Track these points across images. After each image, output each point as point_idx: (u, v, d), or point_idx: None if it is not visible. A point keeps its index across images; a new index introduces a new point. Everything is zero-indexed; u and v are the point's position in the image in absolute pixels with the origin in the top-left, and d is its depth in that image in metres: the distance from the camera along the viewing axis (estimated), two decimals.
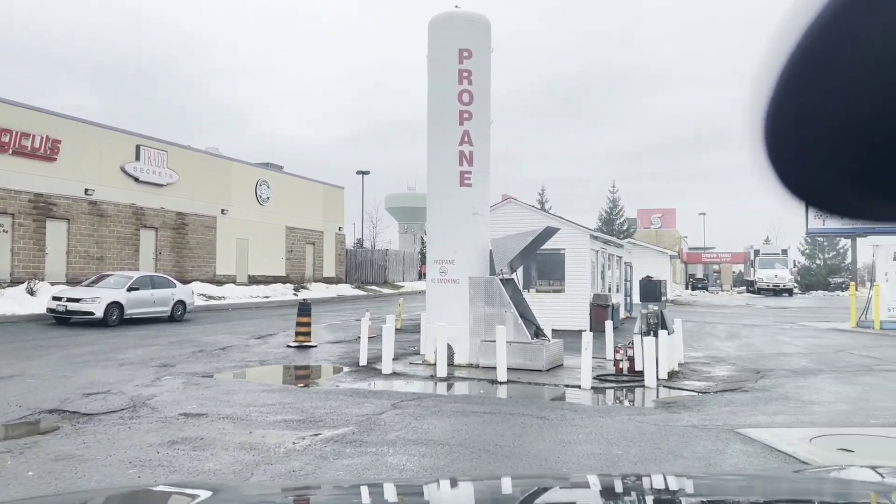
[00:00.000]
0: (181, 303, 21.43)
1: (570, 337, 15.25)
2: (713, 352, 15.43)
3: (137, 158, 28.89)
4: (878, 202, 0.55)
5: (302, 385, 10.82)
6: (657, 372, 11.13)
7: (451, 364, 12.43)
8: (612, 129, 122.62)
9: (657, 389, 10.56)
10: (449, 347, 12.61)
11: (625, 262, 25.19)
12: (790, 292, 48.98)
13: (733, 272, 73.85)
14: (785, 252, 53.21)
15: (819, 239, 62.01)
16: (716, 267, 77.79)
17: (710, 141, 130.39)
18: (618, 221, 64.65)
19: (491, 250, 13.16)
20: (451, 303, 12.83)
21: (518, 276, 19.14)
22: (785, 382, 11.03)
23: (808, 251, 65.19)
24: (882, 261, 21.45)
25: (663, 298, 12.15)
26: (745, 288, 56.78)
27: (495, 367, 11.15)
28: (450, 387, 10.83)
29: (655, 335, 11.69)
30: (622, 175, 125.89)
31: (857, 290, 23.72)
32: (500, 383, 10.82)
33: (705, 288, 64.28)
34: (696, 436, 6.92)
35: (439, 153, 13.26)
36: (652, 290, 12.15)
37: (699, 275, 75.50)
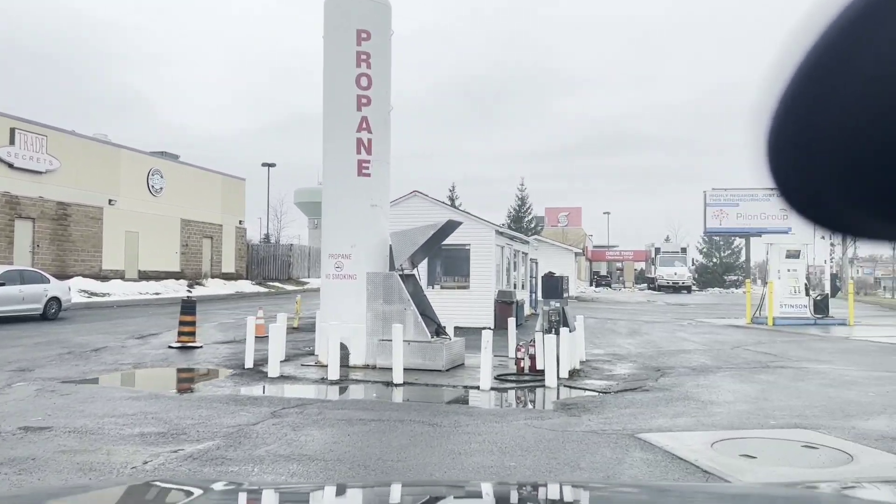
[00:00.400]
0: (55, 300, 19.65)
1: (475, 335, 14.75)
2: (615, 349, 15.31)
3: (12, 143, 26.50)
4: (884, 222, 0.55)
5: (174, 391, 9.81)
6: (558, 371, 10.76)
7: (345, 365, 11.68)
8: (524, 129, 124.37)
9: (558, 389, 10.17)
10: (343, 347, 11.84)
11: (531, 259, 25.05)
12: (689, 289, 50.70)
13: (635, 270, 76.07)
14: (684, 250, 55.12)
15: (716, 238, 64.74)
16: (619, 265, 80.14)
17: (617, 143, 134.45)
18: (526, 219, 65.34)
19: (391, 245, 12.48)
20: (348, 300, 12.06)
21: (422, 272, 18.55)
22: (685, 381, 10.88)
23: (705, 250, 67.91)
24: (776, 259, 22.14)
25: (565, 295, 11.81)
26: (646, 285, 58.44)
27: (392, 369, 10.48)
28: (342, 390, 10.08)
29: (557, 333, 11.33)
30: (533, 174, 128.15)
31: (751, 287, 24.46)
32: (396, 385, 10.16)
33: (609, 285, 65.92)
34: (595, 443, 6.47)
35: (336, 140, 12.45)
36: (554, 286, 11.79)
37: (603, 272, 77.55)
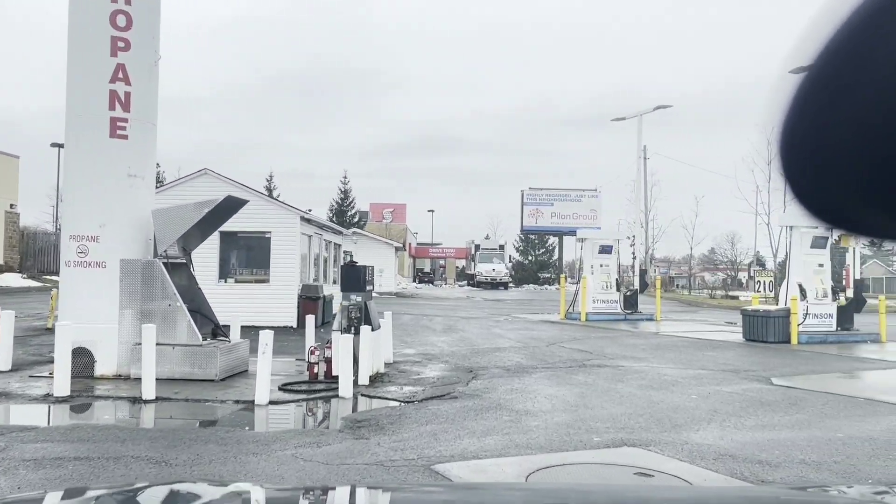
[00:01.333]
0: None
1: (275, 335, 12.95)
2: (427, 347, 13.92)
3: None
4: (888, 219, 0.55)
5: None
6: (357, 377, 9.10)
7: (89, 376, 9.24)
8: (353, 126, 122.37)
9: (354, 399, 8.48)
10: (85, 354, 9.37)
11: (345, 251, 23.22)
12: (506, 286, 51.35)
13: (457, 267, 76.74)
14: (502, 248, 55.92)
15: (532, 237, 66.68)
16: (442, 262, 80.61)
17: (444, 144, 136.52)
18: (349, 213, 63.33)
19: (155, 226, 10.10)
20: (94, 293, 9.56)
21: (212, 263, 16.09)
22: (498, 384, 9.63)
23: (522, 248, 69.75)
24: (589, 255, 22.03)
25: (369, 288, 10.18)
26: (466, 282, 58.73)
27: (142, 380, 8.22)
28: (77, 410, 7.71)
29: (357, 332, 9.65)
30: (361, 172, 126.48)
31: (565, 282, 24.34)
32: (146, 402, 7.95)
33: (431, 282, 65.79)
34: (379, 482, 4.80)
35: (82, 92, 9.86)
36: (355, 277, 10.08)
37: (427, 269, 77.51)
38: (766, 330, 15.03)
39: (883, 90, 0.48)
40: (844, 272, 16.35)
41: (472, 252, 56.20)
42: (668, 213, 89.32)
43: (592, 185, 58.04)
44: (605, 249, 21.94)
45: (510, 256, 60.85)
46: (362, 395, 8.75)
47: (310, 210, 19.44)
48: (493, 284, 51.01)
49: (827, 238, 15.71)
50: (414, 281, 68.19)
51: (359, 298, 10.15)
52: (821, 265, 15.69)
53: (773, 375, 10.45)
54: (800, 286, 15.33)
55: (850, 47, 0.48)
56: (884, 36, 0.47)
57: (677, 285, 51.71)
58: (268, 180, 59.74)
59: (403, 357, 12.43)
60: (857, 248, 16.54)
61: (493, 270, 50.85)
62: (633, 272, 22.90)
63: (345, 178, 63.48)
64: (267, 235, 16.90)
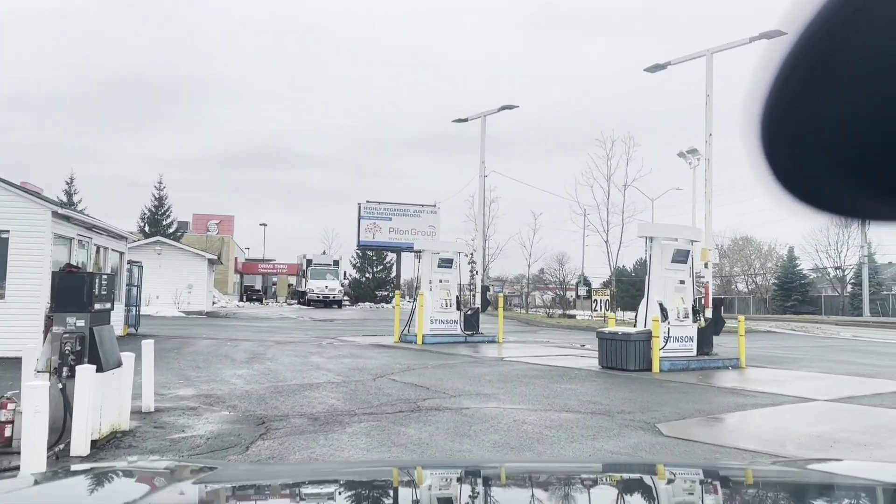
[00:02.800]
0: None
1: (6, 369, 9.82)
2: (216, 386, 10.50)
3: None
4: (875, 202, 0.55)
5: None
6: (67, 442, 5.66)
7: None
8: (182, 133, 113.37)
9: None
10: None
11: (130, 261, 18.96)
12: (340, 304, 48.00)
13: (290, 284, 72.16)
14: (336, 263, 52.39)
15: (369, 253, 63.79)
16: (275, 278, 75.70)
17: (281, 158, 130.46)
18: (165, 222, 56.95)
19: None
20: None
21: None
22: (295, 446, 6.58)
23: (359, 264, 66.57)
24: (427, 269, 19.43)
25: (99, 306, 6.68)
26: (297, 300, 54.57)
27: None
28: None
29: (71, 374, 6.19)
30: (190, 182, 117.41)
31: (401, 300, 21.60)
32: None
33: (260, 300, 61.12)
34: None
35: None
36: (75, 290, 6.56)
37: (258, 286, 72.30)
38: (625, 356, 13.05)
39: (870, 67, 0.47)
40: (703, 290, 14.89)
41: (304, 268, 52.20)
42: (506, 231, 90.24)
43: (431, 200, 56.33)
44: (445, 263, 19.46)
45: (345, 273, 57.52)
46: None
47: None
48: (326, 303, 47.48)
49: (688, 252, 14.12)
50: (241, 299, 63.10)
51: (80, 322, 6.64)
52: (682, 282, 14.05)
53: (657, 419, 8.19)
54: (661, 305, 13.55)
55: (836, 20, 0.47)
56: (867, 12, 0.46)
57: (511, 304, 50.95)
58: (67, 183, 52.19)
59: (175, 402, 9.04)
60: (713, 261, 15.18)
61: (326, 287, 47.29)
62: (474, 289, 20.56)
63: (160, 183, 57.08)
64: (4, 235, 12.62)
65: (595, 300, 32.73)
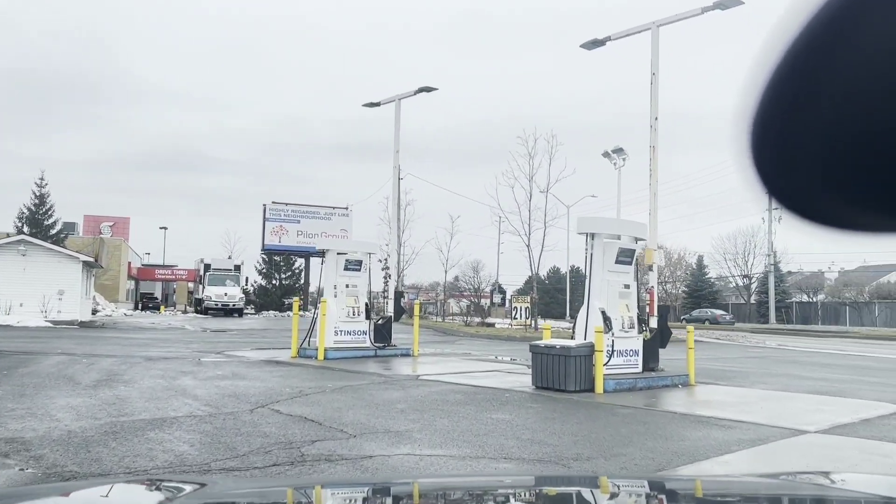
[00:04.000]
0: None
1: None
2: (32, 423, 7.69)
3: None
4: (866, 213, 0.54)
5: None
6: None
7: None
8: (82, 134, 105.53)
9: None
10: None
11: None
12: (241, 312, 44.41)
13: (189, 291, 67.51)
14: (238, 268, 48.60)
15: (276, 258, 60.16)
16: (176, 285, 70.93)
17: (188, 160, 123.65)
18: (47, 223, 51.68)
19: None
20: None
21: None
22: None
23: (265, 270, 62.74)
24: (332, 271, 16.85)
25: None
26: (194, 307, 50.41)
27: None
28: None
29: None
30: (84, 184, 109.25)
31: (302, 308, 18.87)
32: None
33: (158, 308, 56.67)
34: None
35: None
36: None
37: (158, 293, 67.46)
38: (564, 373, 10.92)
39: (863, 76, 0.46)
40: (648, 295, 13.00)
41: (201, 273, 48.18)
42: (422, 237, 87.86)
43: (343, 202, 53.44)
44: (353, 265, 16.92)
45: (247, 279, 53.74)
46: None
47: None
48: (227, 311, 43.82)
49: (634, 251, 12.17)
50: (136, 307, 58.47)
51: None
52: (627, 286, 12.08)
53: (623, 465, 6.02)
54: (603, 314, 11.52)
55: (828, 29, 0.47)
56: (863, 19, 0.46)
57: (426, 312, 48.74)
58: None
59: None
60: (658, 264, 13.34)
61: (226, 295, 43.61)
62: (388, 296, 18.14)
63: (41, 179, 51.76)
64: None
65: (515, 307, 30.85)
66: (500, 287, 59.39)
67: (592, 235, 11.85)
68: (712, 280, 73.29)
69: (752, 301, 67.69)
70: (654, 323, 12.91)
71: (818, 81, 0.49)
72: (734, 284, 73.54)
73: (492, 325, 32.63)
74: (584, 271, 12.27)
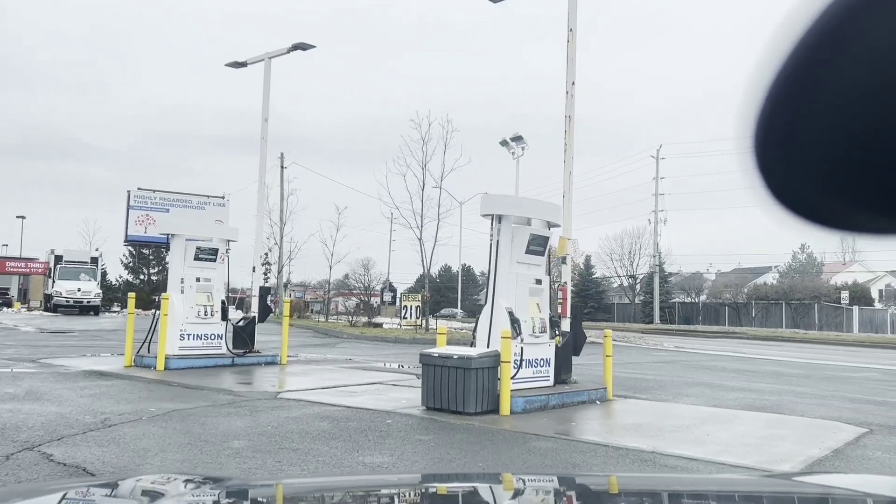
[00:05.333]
0: None
1: None
2: None
3: None
4: (869, 215, 0.54)
5: None
6: None
7: None
8: None
9: None
10: None
11: None
12: (97, 310, 39.52)
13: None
14: (95, 261, 43.37)
15: (144, 251, 54.92)
16: (32, 279, 63.84)
17: (59, 148, 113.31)
18: None
19: None
20: None
21: None
22: None
23: (132, 264, 57.23)
24: (180, 260, 13.77)
25: None
26: (43, 304, 44.74)
27: None
28: None
29: None
30: None
31: (134, 308, 15.59)
32: None
33: (9, 304, 50.52)
34: None
35: None
36: None
37: (13, 288, 60.39)
38: (462, 391, 8.57)
39: (866, 78, 0.46)
40: (561, 293, 10.90)
41: (51, 265, 42.70)
42: (309, 230, 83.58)
43: (220, 192, 49.20)
44: (207, 255, 13.93)
45: (105, 273, 48.39)
46: None
47: None
48: (81, 308, 38.86)
49: (547, 239, 10.00)
50: None
51: None
52: (538, 282, 9.90)
53: None
54: (511, 315, 9.27)
55: (832, 32, 0.47)
56: (868, 22, 0.45)
57: (312, 310, 45.47)
58: None
59: None
60: (572, 256, 11.25)
61: (80, 290, 38.62)
62: (253, 290, 15.29)
63: None
64: None
65: (405, 306, 28.44)
66: (391, 285, 57.00)
67: (499, 218, 9.57)
68: (599, 280, 73.89)
69: (638, 301, 68.58)
70: (566, 325, 10.83)
71: (822, 83, 0.48)
72: (619, 284, 74.47)
73: (379, 325, 30.07)
74: (486, 266, 9.97)
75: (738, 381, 13.80)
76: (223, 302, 14.10)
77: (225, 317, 14.02)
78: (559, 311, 10.91)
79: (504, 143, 25.82)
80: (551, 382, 9.97)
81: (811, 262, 74.90)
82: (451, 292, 67.69)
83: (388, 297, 52.67)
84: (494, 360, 8.81)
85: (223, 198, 47.40)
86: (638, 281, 70.24)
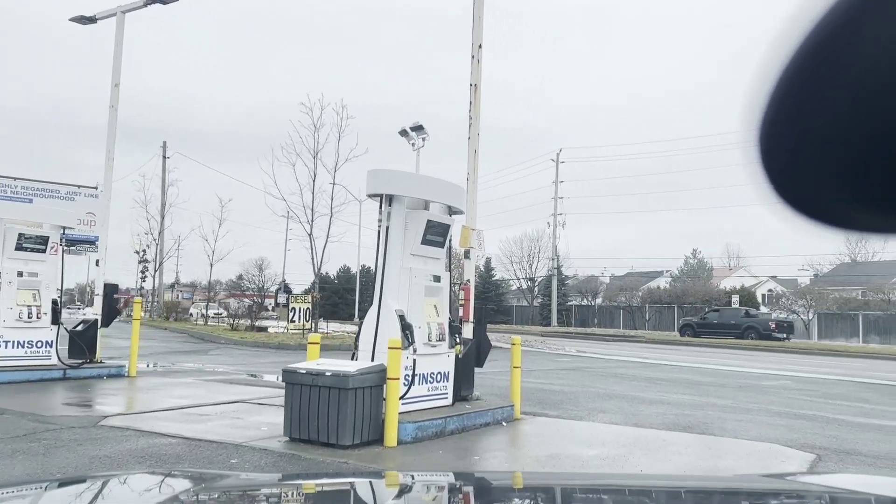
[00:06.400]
0: None
1: None
2: None
3: None
4: (875, 214, 0.53)
5: None
6: None
7: None
8: None
9: None
10: None
11: None
12: None
13: None
14: None
15: None
16: None
17: None
18: None
19: None
20: None
21: None
22: None
23: None
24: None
25: None
26: None
27: None
28: None
29: None
30: None
31: None
32: None
33: None
34: None
35: None
36: None
37: None
38: (336, 417, 6.69)
39: (871, 78, 0.45)
40: (463, 293, 9.20)
41: None
42: (193, 224, 78.77)
43: (93, 182, 44.87)
44: (34, 243, 11.37)
45: None
46: None
47: None
48: None
49: (448, 227, 8.27)
50: None
51: None
52: (437, 279, 8.14)
53: None
54: (402, 319, 7.48)
55: (836, 31, 0.46)
56: (872, 20, 0.44)
57: (191, 314, 42.08)
58: None
59: None
60: (477, 250, 9.55)
61: None
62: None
63: None
64: None
65: (293, 308, 26.10)
66: (286, 286, 54.06)
67: (390, 199, 7.74)
68: (499, 282, 73.49)
69: (536, 304, 68.55)
70: (469, 331, 9.15)
71: (826, 83, 0.47)
72: (517, 287, 74.39)
73: (264, 329, 27.58)
74: (376, 258, 8.08)
75: (654, 391, 12.56)
76: (55, 302, 11.56)
77: (56, 320, 11.49)
78: (460, 314, 9.21)
79: (404, 132, 24.04)
80: (450, 401, 8.24)
81: (702, 267, 77.33)
82: (350, 294, 65.18)
83: (282, 298, 49.82)
84: (379, 376, 6.98)
85: (96, 188, 43.15)
86: (537, 284, 70.30)
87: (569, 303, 67.17)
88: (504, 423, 8.46)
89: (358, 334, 7.89)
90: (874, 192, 0.51)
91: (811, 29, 0.47)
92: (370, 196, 7.88)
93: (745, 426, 8.94)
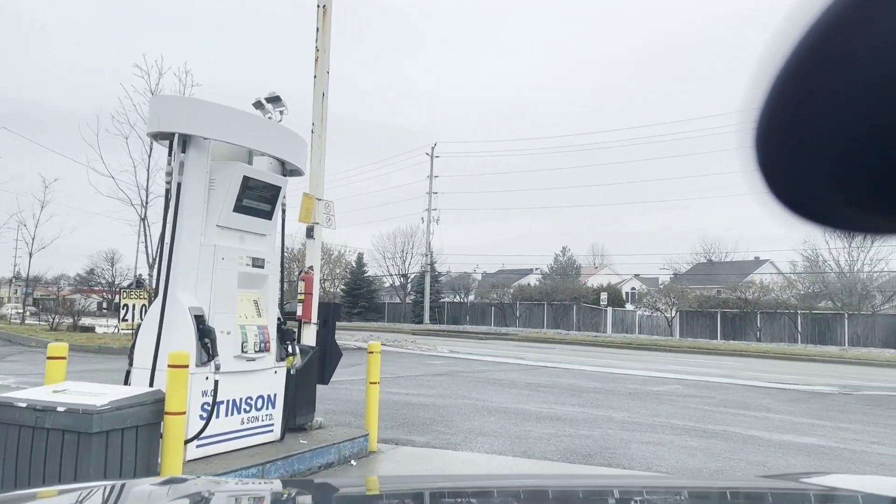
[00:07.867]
0: None
1: None
2: None
3: None
4: (871, 214, 0.54)
5: None
6: None
7: None
8: None
9: None
10: None
11: None
12: None
13: None
14: None
15: None
16: None
17: None
18: None
19: None
20: None
21: None
22: None
23: None
24: None
25: None
26: None
27: None
28: None
29: None
30: None
31: None
32: None
33: None
34: None
35: None
36: None
37: None
38: (73, 477, 4.16)
39: (866, 78, 0.45)
40: (303, 284, 6.86)
41: None
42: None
43: None
44: None
45: None
46: None
47: None
48: None
49: (279, 190, 5.88)
50: None
51: None
52: (258, 263, 5.73)
53: None
54: (199, 321, 5.03)
55: (833, 32, 0.46)
56: (868, 21, 0.45)
57: (10, 313, 36.72)
58: None
59: None
60: (325, 227, 7.21)
61: None
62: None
63: None
64: None
65: (125, 306, 22.49)
66: (139, 281, 48.99)
67: (184, 142, 5.27)
68: (371, 279, 71.11)
69: (409, 301, 66.80)
70: (310, 337, 6.82)
71: (822, 84, 0.47)
72: (390, 284, 72.40)
73: (91, 329, 23.75)
74: (162, 231, 5.56)
75: (539, 402, 10.72)
76: None
77: None
78: (299, 313, 6.85)
79: (258, 104, 21.15)
80: (277, 435, 5.88)
81: (570, 265, 78.45)
82: None
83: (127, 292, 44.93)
84: (153, 409, 4.51)
85: None
86: (410, 280, 68.64)
87: (442, 300, 65.89)
88: (353, 463, 6.21)
89: (133, 344, 5.33)
90: (873, 194, 0.50)
91: (807, 30, 0.46)
92: (153, 137, 5.37)
93: (656, 451, 7.20)
